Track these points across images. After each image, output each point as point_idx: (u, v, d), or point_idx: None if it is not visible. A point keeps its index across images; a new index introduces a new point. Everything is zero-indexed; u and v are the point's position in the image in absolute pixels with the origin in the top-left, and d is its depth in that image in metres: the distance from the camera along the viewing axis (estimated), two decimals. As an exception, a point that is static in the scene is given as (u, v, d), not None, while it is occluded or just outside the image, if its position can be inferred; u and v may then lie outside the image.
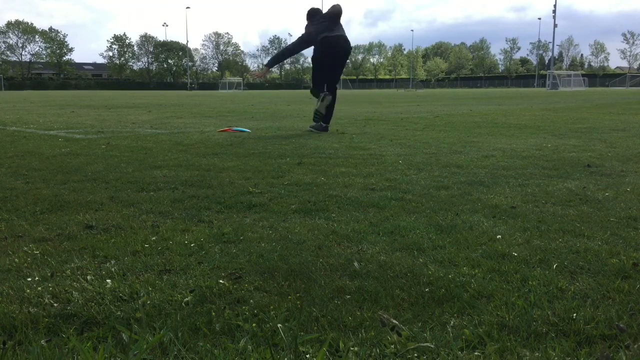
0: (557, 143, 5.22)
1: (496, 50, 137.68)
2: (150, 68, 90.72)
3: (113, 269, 1.72)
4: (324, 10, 6.92)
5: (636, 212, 2.43)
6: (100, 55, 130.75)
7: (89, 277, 1.65)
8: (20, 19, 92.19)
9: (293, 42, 6.82)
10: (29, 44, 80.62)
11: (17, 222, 2.30)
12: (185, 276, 1.67)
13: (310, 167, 3.79)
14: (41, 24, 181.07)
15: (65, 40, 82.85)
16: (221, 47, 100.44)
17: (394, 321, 1.31)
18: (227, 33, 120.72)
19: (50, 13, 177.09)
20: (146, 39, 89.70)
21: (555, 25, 58.40)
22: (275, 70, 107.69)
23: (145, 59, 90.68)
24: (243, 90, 61.96)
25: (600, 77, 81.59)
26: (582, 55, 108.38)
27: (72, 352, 1.19)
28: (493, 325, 1.32)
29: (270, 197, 2.77)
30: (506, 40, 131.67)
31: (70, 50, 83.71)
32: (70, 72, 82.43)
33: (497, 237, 2.06)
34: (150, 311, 1.41)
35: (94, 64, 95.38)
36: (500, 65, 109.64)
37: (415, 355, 1.19)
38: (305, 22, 6.82)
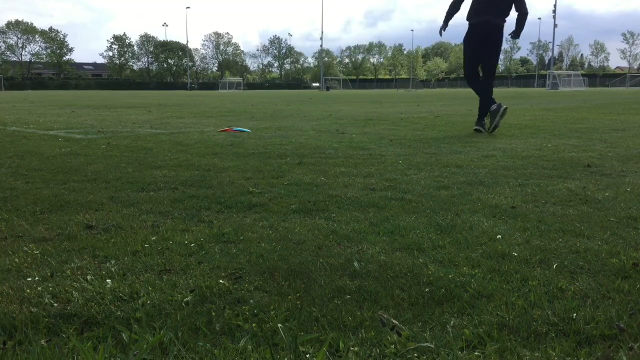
0: (557, 143, 5.22)
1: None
2: (150, 68, 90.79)
3: (113, 269, 1.73)
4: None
5: (636, 212, 2.43)
6: (100, 55, 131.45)
7: (89, 277, 1.65)
8: (20, 19, 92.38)
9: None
10: (29, 44, 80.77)
11: (17, 222, 2.30)
12: (185, 276, 1.67)
13: (310, 167, 3.79)
14: (41, 23, 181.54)
15: (65, 40, 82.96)
16: (221, 47, 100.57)
17: (394, 321, 1.31)
18: (227, 33, 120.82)
19: (50, 13, 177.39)
20: (146, 39, 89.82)
21: (555, 25, 58.49)
22: (275, 70, 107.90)
23: (145, 59, 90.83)
24: (243, 90, 61.98)
25: (600, 77, 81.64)
26: (582, 55, 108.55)
27: (72, 352, 1.19)
28: (493, 325, 1.32)
29: (270, 197, 2.77)
30: (506, 40, 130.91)
31: (70, 50, 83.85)
32: (70, 72, 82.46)
33: (497, 237, 2.06)
34: (150, 311, 1.41)
35: (94, 64, 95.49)
36: (500, 65, 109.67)
37: (415, 355, 1.19)
38: None
